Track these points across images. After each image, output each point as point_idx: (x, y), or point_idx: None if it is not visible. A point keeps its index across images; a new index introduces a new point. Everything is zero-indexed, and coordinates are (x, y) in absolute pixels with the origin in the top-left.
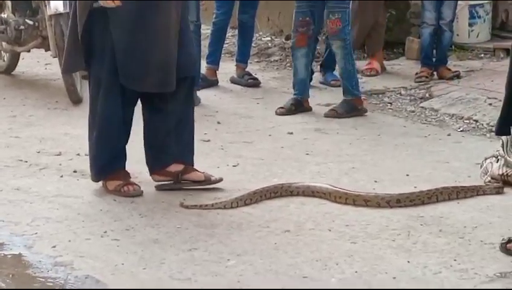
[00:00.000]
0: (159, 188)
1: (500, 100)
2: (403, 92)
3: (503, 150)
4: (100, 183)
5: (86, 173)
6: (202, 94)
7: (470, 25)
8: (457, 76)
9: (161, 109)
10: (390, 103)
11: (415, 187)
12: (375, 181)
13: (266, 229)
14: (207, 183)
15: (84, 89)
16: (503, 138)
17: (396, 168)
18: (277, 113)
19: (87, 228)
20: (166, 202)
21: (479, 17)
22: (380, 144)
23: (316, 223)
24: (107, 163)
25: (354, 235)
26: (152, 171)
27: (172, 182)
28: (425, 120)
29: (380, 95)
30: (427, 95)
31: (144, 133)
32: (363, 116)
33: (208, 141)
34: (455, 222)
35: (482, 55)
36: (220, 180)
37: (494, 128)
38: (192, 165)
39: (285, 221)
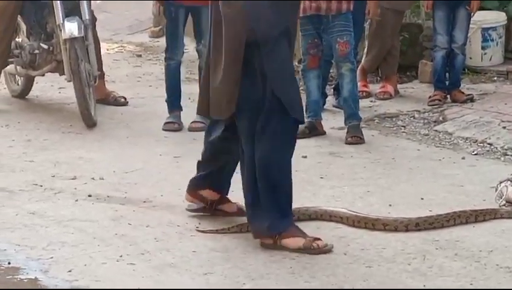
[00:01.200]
0: (189, 209)
1: None
2: (416, 115)
3: None
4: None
5: (101, 197)
6: None
7: (483, 48)
8: (471, 99)
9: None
10: (404, 126)
11: (430, 211)
12: (390, 205)
13: (281, 253)
14: (239, 215)
15: (98, 113)
16: None
17: (410, 192)
18: None
19: (103, 252)
20: (181, 226)
21: (492, 40)
22: (394, 168)
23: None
24: (282, 216)
25: (369, 259)
26: (188, 190)
27: (203, 207)
28: (439, 143)
29: (394, 119)
30: (440, 118)
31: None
32: (377, 140)
33: None
34: (471, 245)
35: (496, 78)
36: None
37: None
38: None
39: None
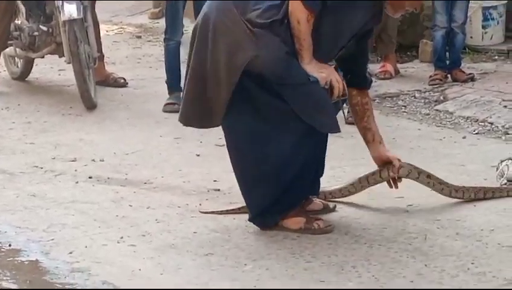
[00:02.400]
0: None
1: None
2: (417, 95)
3: None
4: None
5: (101, 179)
6: None
7: (484, 27)
8: (472, 78)
9: None
10: (405, 106)
11: (431, 190)
12: None
13: (282, 234)
14: (327, 211)
15: (98, 95)
16: None
17: None
18: None
19: (104, 233)
20: (182, 207)
21: (493, 19)
22: (395, 147)
23: (331, 227)
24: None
25: (370, 239)
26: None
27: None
28: (440, 123)
29: (394, 98)
30: (441, 97)
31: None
32: (378, 120)
33: (223, 145)
34: (472, 224)
35: (496, 57)
36: (334, 207)
37: None
38: None
39: None
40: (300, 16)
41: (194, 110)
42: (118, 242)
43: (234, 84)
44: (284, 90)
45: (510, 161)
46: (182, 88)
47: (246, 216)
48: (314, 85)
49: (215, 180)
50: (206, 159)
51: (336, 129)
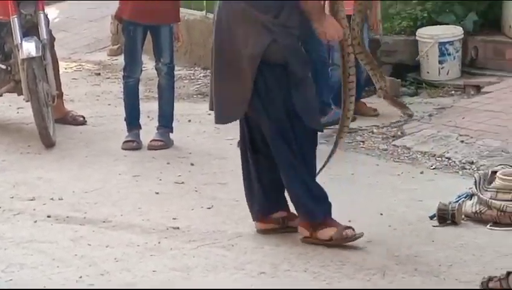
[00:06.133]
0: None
1: (472, 137)
2: (375, 130)
3: (476, 188)
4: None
5: (60, 218)
6: (175, 136)
7: (440, 62)
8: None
9: None
10: (363, 142)
11: (389, 226)
12: (349, 221)
13: (242, 272)
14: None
15: (56, 133)
16: (476, 175)
17: (370, 207)
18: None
19: (62, 273)
20: (141, 245)
21: (449, 54)
22: (353, 183)
23: (291, 264)
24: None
25: (329, 276)
26: (258, 218)
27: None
28: (398, 158)
29: (353, 134)
30: (399, 133)
31: None
32: (336, 155)
33: (182, 183)
34: (430, 260)
35: (453, 92)
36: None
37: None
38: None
39: (260, 263)
40: None
41: (227, 105)
42: (77, 281)
43: (255, 72)
44: (292, 81)
45: (467, 196)
46: (141, 125)
47: (205, 254)
48: (311, 82)
49: (174, 218)
50: (165, 197)
51: (320, 128)
